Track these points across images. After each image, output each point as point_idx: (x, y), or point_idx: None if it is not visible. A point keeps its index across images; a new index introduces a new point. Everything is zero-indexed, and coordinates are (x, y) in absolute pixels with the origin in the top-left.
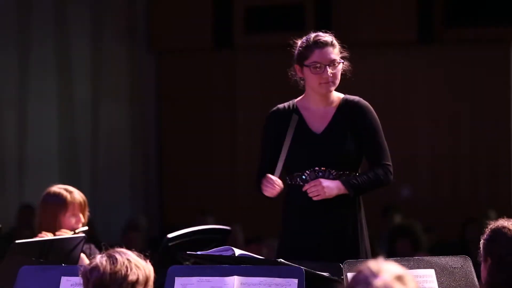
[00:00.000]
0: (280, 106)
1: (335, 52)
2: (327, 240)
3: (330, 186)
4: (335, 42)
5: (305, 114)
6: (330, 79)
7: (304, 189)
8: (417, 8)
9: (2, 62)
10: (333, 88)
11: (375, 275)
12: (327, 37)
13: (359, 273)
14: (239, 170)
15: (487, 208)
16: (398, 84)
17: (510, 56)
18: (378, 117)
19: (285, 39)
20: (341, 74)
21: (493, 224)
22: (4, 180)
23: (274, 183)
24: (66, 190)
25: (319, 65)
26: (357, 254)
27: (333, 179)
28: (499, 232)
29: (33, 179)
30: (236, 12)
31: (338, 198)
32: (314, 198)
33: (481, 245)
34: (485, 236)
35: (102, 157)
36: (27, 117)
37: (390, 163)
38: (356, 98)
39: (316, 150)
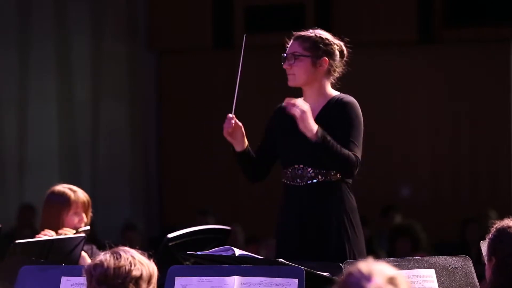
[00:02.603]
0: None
1: (304, 46)
2: (310, 239)
3: (308, 119)
4: (311, 38)
5: None
6: (287, 70)
7: (285, 103)
8: (417, 8)
9: (2, 62)
10: (293, 82)
11: (367, 278)
12: (304, 31)
13: (349, 276)
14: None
15: (487, 208)
16: (398, 84)
17: (510, 56)
18: (378, 117)
19: (285, 39)
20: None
21: (498, 224)
22: (4, 180)
23: (229, 121)
24: (70, 189)
25: (283, 56)
26: (344, 255)
27: (310, 177)
28: (504, 231)
29: (33, 179)
30: (236, 12)
31: (323, 198)
32: (291, 110)
33: (485, 245)
34: (490, 235)
35: (102, 157)
36: (27, 117)
37: (359, 157)
38: (342, 95)
39: (296, 148)
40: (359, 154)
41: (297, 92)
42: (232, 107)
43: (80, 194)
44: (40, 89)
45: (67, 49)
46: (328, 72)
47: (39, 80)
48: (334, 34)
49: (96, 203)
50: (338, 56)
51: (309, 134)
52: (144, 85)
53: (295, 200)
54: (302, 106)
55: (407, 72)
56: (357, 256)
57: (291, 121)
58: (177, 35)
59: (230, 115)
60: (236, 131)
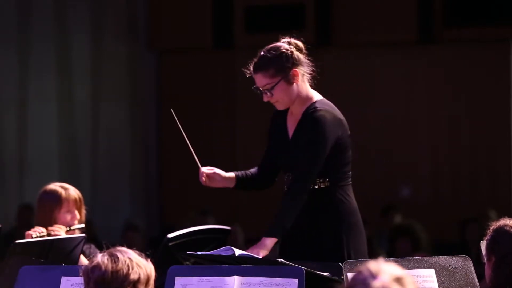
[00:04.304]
0: None
1: (269, 73)
2: (307, 245)
3: (259, 250)
4: (269, 62)
5: (289, 118)
6: (270, 101)
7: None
8: (417, 8)
9: (2, 62)
10: (285, 106)
11: (373, 276)
12: (259, 60)
13: (358, 274)
14: (240, 169)
15: (487, 208)
16: (398, 84)
17: (510, 56)
18: (378, 117)
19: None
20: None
21: (495, 224)
22: (4, 180)
23: (201, 174)
24: (62, 187)
25: (257, 89)
26: (341, 260)
27: None
28: (501, 231)
29: (33, 179)
30: (236, 12)
31: (317, 204)
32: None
33: (484, 245)
34: (488, 235)
35: (102, 157)
36: (27, 117)
37: (308, 174)
38: (312, 108)
39: (286, 156)
40: (313, 172)
41: None
42: (196, 161)
43: (71, 192)
44: (40, 89)
45: (67, 49)
46: (302, 77)
47: (39, 80)
48: (333, 34)
49: (96, 203)
50: (301, 57)
51: (272, 245)
52: (144, 85)
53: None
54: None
55: (407, 72)
56: (360, 257)
57: (282, 129)
58: (177, 35)
59: (201, 170)
60: (212, 178)
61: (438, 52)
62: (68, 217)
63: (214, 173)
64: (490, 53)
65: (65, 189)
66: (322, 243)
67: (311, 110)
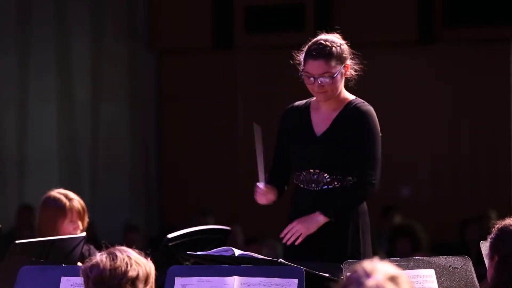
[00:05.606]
0: (296, 103)
1: (331, 64)
2: (326, 243)
3: (308, 221)
4: (333, 51)
5: (313, 114)
6: (318, 90)
7: (281, 236)
8: (417, 8)
9: (2, 62)
10: (329, 98)
11: (368, 275)
12: (323, 47)
13: (353, 273)
14: (240, 169)
15: (487, 208)
16: (398, 84)
17: (510, 56)
18: (378, 118)
19: (285, 39)
20: (347, 78)
21: (500, 223)
22: (4, 180)
23: (260, 193)
24: (66, 196)
25: (309, 75)
26: (358, 257)
27: (326, 183)
28: (506, 230)
29: (33, 179)
30: (236, 12)
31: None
32: (297, 242)
33: (484, 245)
34: (493, 234)
35: (102, 157)
36: (27, 117)
37: (373, 173)
38: (359, 103)
39: (313, 152)
40: (378, 170)
41: (296, 93)
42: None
43: (75, 203)
44: (40, 89)
45: (67, 49)
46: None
47: (39, 80)
48: (333, 34)
49: (96, 203)
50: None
51: (323, 223)
52: (144, 85)
53: (308, 204)
54: (298, 229)
55: (407, 72)
56: (366, 257)
57: (305, 125)
58: (177, 35)
59: (261, 186)
60: (266, 197)
61: (438, 52)
62: (71, 227)
63: (268, 191)
64: (490, 53)
65: (70, 199)
66: (345, 242)
67: (357, 103)
